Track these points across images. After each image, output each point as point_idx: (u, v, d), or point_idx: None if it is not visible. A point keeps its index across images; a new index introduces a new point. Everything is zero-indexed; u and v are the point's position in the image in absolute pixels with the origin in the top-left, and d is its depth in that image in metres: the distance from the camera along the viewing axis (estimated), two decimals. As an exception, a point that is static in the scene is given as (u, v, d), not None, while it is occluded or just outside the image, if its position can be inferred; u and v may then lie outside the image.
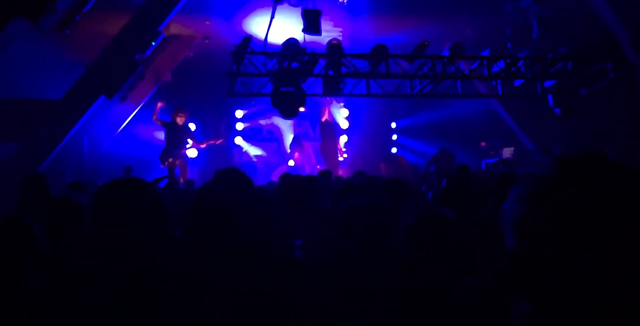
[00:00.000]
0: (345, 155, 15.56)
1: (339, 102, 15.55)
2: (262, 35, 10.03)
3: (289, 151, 15.33)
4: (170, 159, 10.90)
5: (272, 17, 9.60)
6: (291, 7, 9.42)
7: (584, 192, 0.83)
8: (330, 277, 2.32)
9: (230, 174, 3.66)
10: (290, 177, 4.10)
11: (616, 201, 0.82)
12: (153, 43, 9.50)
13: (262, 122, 15.51)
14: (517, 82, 11.00)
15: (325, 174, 7.86)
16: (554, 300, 0.84)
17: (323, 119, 14.02)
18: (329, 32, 10.43)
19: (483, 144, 14.41)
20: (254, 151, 15.47)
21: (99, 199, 2.14)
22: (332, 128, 14.20)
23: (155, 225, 2.11)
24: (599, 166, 0.87)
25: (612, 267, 0.80)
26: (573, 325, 0.83)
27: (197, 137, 14.78)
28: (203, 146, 12.09)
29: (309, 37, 9.71)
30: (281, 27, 10.41)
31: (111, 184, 2.21)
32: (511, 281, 0.89)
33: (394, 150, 16.66)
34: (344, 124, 15.89)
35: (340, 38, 10.33)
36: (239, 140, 15.32)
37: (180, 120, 11.59)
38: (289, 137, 15.57)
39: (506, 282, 0.90)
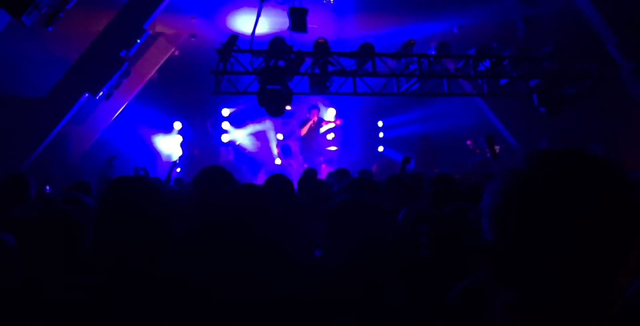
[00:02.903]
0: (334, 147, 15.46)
1: (326, 107, 15.52)
2: (249, 33, 9.98)
3: (276, 154, 15.31)
4: None
5: (259, 15, 9.56)
6: (277, 4, 9.39)
7: (557, 184, 0.86)
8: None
9: (214, 171, 3.67)
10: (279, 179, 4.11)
11: (588, 193, 0.85)
12: (138, 40, 9.43)
13: (250, 128, 15.47)
14: (503, 81, 11.06)
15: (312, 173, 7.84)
16: (535, 290, 0.87)
17: (312, 124, 13.81)
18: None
19: (469, 143, 14.47)
20: (244, 141, 15.44)
21: (105, 196, 2.13)
22: (316, 129, 14.11)
23: (158, 225, 2.09)
24: (572, 160, 0.89)
25: (588, 256, 0.84)
26: (554, 314, 0.86)
27: (184, 136, 14.82)
28: None
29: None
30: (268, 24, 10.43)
31: (117, 182, 2.19)
32: (492, 273, 0.91)
33: (380, 148, 16.69)
34: (332, 124, 15.84)
35: None
36: (225, 137, 15.27)
37: None
38: (274, 141, 15.53)
39: (488, 273, 0.92)
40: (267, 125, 15.40)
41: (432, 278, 2.42)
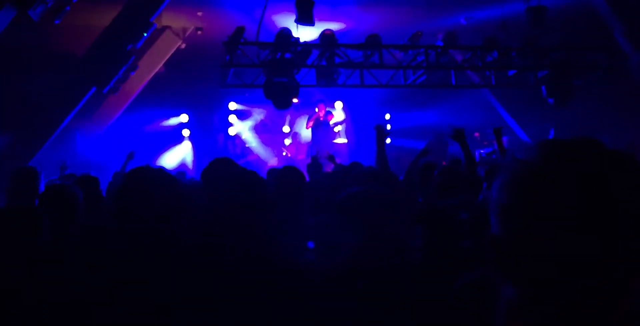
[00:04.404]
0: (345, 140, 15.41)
1: (333, 100, 15.48)
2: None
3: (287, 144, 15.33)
4: None
5: (265, 7, 9.53)
6: None
7: (567, 175, 0.82)
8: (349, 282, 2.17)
9: (223, 163, 3.65)
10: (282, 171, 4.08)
11: (599, 184, 0.81)
12: (145, 34, 9.42)
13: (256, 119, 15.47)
14: (511, 73, 10.99)
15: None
16: (540, 285, 0.84)
17: (317, 120, 13.76)
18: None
19: (477, 134, 14.42)
20: (251, 134, 15.47)
21: (122, 187, 2.12)
22: (324, 123, 14.06)
23: (172, 218, 2.09)
24: (584, 150, 0.85)
25: (598, 252, 0.80)
26: (558, 310, 0.83)
27: (191, 129, 14.86)
28: None
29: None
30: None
31: (135, 173, 2.18)
32: (497, 267, 0.88)
33: (387, 141, 16.59)
34: (340, 117, 15.80)
35: None
36: (232, 130, 15.26)
37: None
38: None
39: (492, 268, 0.89)
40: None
41: (430, 279, 2.35)
